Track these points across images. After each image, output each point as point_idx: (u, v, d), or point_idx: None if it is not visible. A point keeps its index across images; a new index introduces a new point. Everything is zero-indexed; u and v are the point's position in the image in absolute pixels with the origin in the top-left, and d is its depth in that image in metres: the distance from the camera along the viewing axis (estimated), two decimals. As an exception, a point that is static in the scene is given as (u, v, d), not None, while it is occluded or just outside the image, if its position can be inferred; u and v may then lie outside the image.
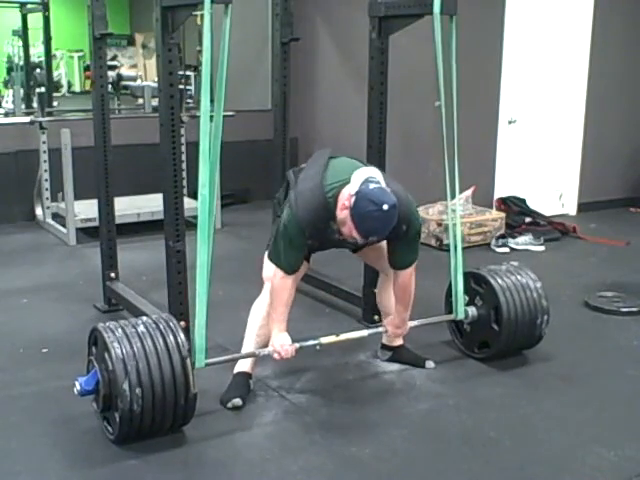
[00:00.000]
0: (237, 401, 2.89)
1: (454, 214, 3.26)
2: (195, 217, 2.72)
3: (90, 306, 4.01)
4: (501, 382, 3.20)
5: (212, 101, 2.62)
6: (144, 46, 10.25)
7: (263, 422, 2.82)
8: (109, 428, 2.62)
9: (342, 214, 2.68)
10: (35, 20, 7.99)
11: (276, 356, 2.84)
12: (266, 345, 2.95)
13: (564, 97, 6.35)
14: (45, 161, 5.70)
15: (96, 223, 4.22)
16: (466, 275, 3.30)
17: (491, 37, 5.83)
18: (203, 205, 2.62)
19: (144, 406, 2.49)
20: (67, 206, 5.33)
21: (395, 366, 3.29)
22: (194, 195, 2.65)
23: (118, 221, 4.10)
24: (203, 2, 2.55)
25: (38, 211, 5.94)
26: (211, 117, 2.61)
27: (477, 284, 3.34)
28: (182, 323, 3.20)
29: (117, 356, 2.49)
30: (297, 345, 2.88)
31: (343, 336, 3.06)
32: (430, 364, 3.28)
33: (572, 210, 6.61)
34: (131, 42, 10.95)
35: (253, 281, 3.18)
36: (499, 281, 3.29)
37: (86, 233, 5.34)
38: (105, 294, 3.99)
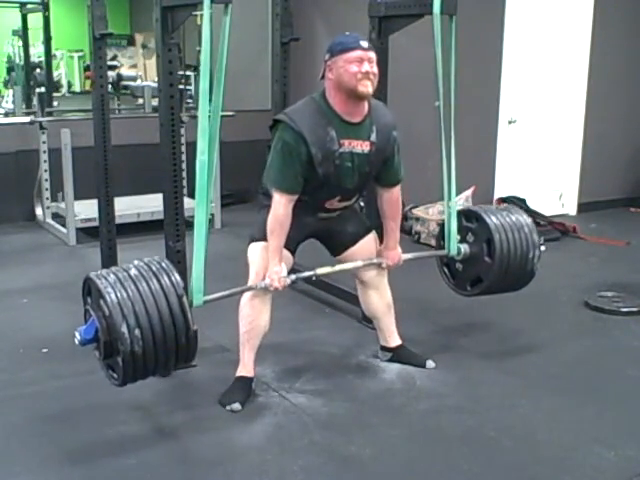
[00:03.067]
0: (236, 406, 2.88)
1: (449, 165, 3.23)
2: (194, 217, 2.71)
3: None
4: (501, 382, 3.20)
5: (210, 101, 2.62)
6: (144, 46, 10.25)
7: (263, 422, 2.82)
8: (114, 375, 2.56)
9: (334, 74, 2.77)
10: (35, 20, 7.99)
11: (271, 287, 2.83)
12: (260, 342, 2.98)
13: (564, 97, 6.35)
14: (45, 161, 5.70)
15: (96, 223, 4.22)
16: (458, 213, 3.31)
17: (491, 37, 5.83)
18: (202, 170, 2.60)
19: (145, 347, 2.43)
20: (67, 206, 5.33)
21: (395, 366, 3.29)
22: (194, 195, 2.65)
23: (118, 221, 4.10)
24: (203, 2, 2.55)
25: (38, 211, 5.94)
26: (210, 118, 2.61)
27: (469, 221, 3.33)
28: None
29: (112, 301, 2.44)
30: (293, 277, 2.87)
31: (338, 267, 3.07)
32: (430, 364, 3.28)
33: (572, 210, 6.61)
34: (131, 42, 10.95)
35: (253, 281, 3.18)
36: (491, 217, 3.30)
37: (86, 233, 5.34)
38: (105, 294, 3.99)
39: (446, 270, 3.47)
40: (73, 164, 5.28)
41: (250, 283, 2.92)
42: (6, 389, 3.06)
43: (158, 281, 2.53)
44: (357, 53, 2.74)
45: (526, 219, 3.37)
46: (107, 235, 3.97)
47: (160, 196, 3.27)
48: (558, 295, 4.26)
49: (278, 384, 3.12)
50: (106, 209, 3.95)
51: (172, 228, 3.19)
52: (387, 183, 3.04)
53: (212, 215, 5.74)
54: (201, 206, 2.62)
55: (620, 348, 3.62)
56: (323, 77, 2.84)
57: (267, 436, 2.73)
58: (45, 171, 5.73)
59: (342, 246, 3.12)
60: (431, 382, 3.17)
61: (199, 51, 2.55)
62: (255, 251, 2.94)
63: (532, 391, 3.13)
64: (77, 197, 5.36)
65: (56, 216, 5.78)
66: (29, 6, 7.98)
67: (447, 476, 2.52)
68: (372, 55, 2.78)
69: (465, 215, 3.35)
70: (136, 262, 2.62)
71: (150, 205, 5.50)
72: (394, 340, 3.32)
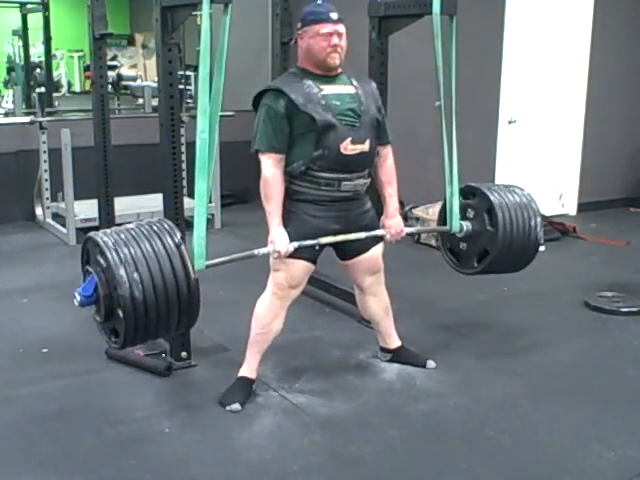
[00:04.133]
0: (236, 407, 2.88)
1: (450, 165, 3.22)
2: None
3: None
4: (501, 382, 3.20)
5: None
6: (144, 46, 10.26)
7: (263, 422, 2.82)
8: (113, 338, 2.52)
9: (305, 43, 2.83)
10: (35, 20, 8.00)
11: (275, 255, 2.80)
12: (268, 346, 2.97)
13: (564, 97, 6.35)
14: (45, 161, 5.70)
15: (96, 223, 4.23)
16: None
17: (491, 37, 5.83)
18: (202, 148, 2.58)
19: (145, 292, 2.38)
20: (67, 206, 5.33)
21: (395, 366, 3.29)
22: (194, 195, 2.65)
23: (118, 221, 4.09)
24: (203, 2, 2.55)
25: (38, 211, 5.94)
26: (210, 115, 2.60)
27: (467, 198, 3.31)
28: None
29: (110, 250, 2.41)
30: (296, 244, 2.83)
31: (341, 237, 2.97)
32: (431, 364, 3.28)
33: (572, 210, 6.60)
34: (131, 42, 10.97)
35: (253, 281, 3.18)
36: (489, 189, 3.31)
37: (86, 233, 5.32)
38: (105, 294, 3.99)
39: (450, 253, 3.42)
40: (73, 164, 5.28)
41: (267, 291, 2.93)
42: (6, 389, 3.06)
43: (154, 229, 2.50)
44: (327, 27, 2.78)
45: (522, 191, 3.37)
46: (107, 235, 3.97)
47: (160, 196, 3.27)
48: (558, 295, 4.26)
49: (278, 384, 3.12)
50: (106, 209, 3.95)
51: (172, 228, 3.19)
52: (383, 139, 3.03)
53: (212, 215, 5.74)
54: (202, 176, 2.60)
55: (620, 348, 3.62)
56: (295, 42, 2.93)
57: (267, 436, 2.73)
58: (45, 171, 5.73)
59: (356, 251, 3.06)
60: (431, 382, 3.17)
61: (199, 51, 2.56)
62: (279, 260, 2.89)
63: (532, 391, 3.13)
64: (77, 197, 5.36)
65: (56, 216, 5.78)
66: (29, 6, 7.99)
67: (447, 476, 2.52)
68: (341, 28, 2.82)
69: (463, 193, 3.31)
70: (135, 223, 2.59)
71: (150, 205, 5.49)
72: (394, 342, 3.32)
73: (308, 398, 3.01)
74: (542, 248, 5.36)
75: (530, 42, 6.02)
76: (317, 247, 2.91)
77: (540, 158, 6.33)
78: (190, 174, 2.90)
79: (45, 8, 7.64)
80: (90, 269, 2.53)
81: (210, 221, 2.65)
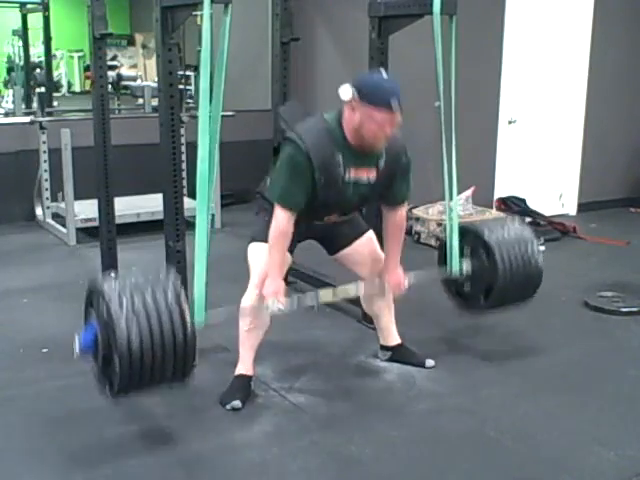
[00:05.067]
0: (237, 403, 2.89)
1: (450, 165, 3.22)
2: (194, 217, 2.71)
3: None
4: (501, 382, 3.20)
5: (211, 102, 2.62)
6: (144, 46, 10.27)
7: (263, 422, 2.82)
8: (109, 387, 2.53)
9: (355, 117, 2.66)
10: (35, 20, 8.00)
11: (273, 308, 2.76)
12: (260, 341, 2.99)
13: (564, 97, 6.34)
14: (45, 161, 5.70)
15: (96, 223, 4.22)
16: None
17: (491, 37, 5.83)
18: (202, 182, 2.56)
19: (143, 345, 2.40)
20: (67, 206, 5.33)
21: (395, 366, 3.29)
22: (194, 195, 2.65)
23: (118, 221, 4.09)
24: (203, 2, 2.55)
25: (38, 211, 5.94)
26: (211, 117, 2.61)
27: (462, 237, 3.29)
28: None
29: (112, 295, 2.44)
30: (295, 303, 2.84)
31: (340, 294, 3.03)
32: (430, 362, 3.28)
33: (572, 210, 6.60)
34: (131, 42, 10.97)
35: (253, 281, 3.18)
36: (480, 225, 3.37)
37: (86, 233, 5.34)
38: (105, 294, 3.99)
39: (457, 296, 3.45)
40: (73, 164, 5.27)
41: (251, 286, 2.91)
42: (6, 389, 3.06)
43: (161, 285, 2.52)
44: (385, 117, 2.62)
45: (514, 220, 3.43)
46: (107, 235, 3.98)
47: (160, 196, 3.27)
48: (558, 295, 4.26)
49: (278, 384, 3.12)
50: (106, 209, 3.95)
51: (172, 228, 3.20)
52: (390, 202, 2.98)
53: (212, 215, 5.73)
54: (202, 211, 2.58)
55: (620, 348, 3.62)
56: (348, 103, 2.69)
57: (267, 436, 2.73)
58: (45, 171, 5.72)
59: (338, 246, 3.13)
60: (431, 382, 3.17)
61: (199, 51, 2.55)
62: (256, 252, 2.94)
63: (532, 391, 3.13)
64: (77, 197, 5.36)
65: (56, 216, 5.78)
66: (29, 6, 7.98)
67: (447, 476, 2.52)
68: (398, 117, 2.66)
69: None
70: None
71: (150, 205, 5.50)
72: (394, 339, 3.32)
73: (308, 398, 3.01)
74: (542, 248, 5.38)
75: (530, 42, 6.01)
76: (315, 308, 2.97)
77: (540, 158, 6.33)
78: (190, 174, 2.91)
79: (45, 8, 7.64)
80: (91, 314, 2.58)
81: (210, 221, 2.63)
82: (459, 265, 3.24)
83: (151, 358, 2.44)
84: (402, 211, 3.01)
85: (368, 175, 2.81)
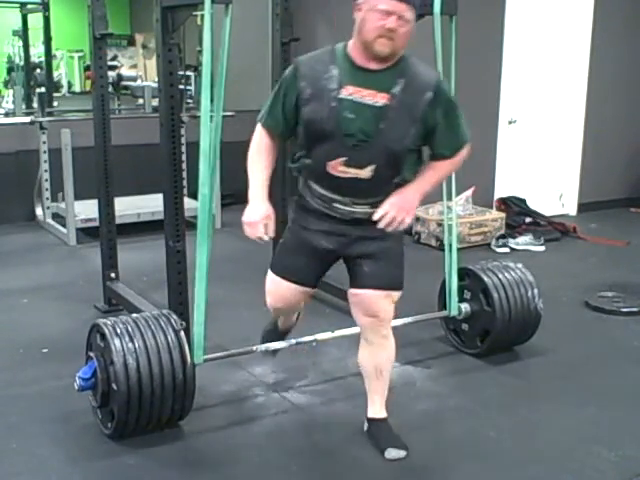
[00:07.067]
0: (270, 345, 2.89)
1: (450, 212, 3.26)
2: (195, 217, 2.73)
3: (90, 306, 4.01)
4: (501, 382, 3.20)
5: (212, 101, 2.63)
6: (144, 46, 10.25)
7: (263, 422, 2.82)
8: (107, 424, 2.63)
9: (359, 17, 2.28)
10: (35, 20, 7.99)
11: (252, 236, 2.49)
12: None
13: (564, 97, 6.35)
14: (45, 161, 5.70)
15: (96, 223, 4.22)
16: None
17: (491, 37, 5.83)
18: (203, 205, 2.60)
19: (142, 383, 2.50)
20: (67, 206, 5.33)
21: (395, 366, 3.28)
22: (194, 195, 2.66)
23: (118, 221, 4.10)
24: (203, 2, 2.55)
25: (38, 211, 5.94)
26: (211, 117, 2.61)
27: (461, 279, 3.38)
28: (182, 323, 3.21)
29: (112, 335, 2.54)
30: (293, 341, 2.88)
31: (338, 333, 3.07)
32: (391, 453, 2.59)
33: (572, 210, 6.61)
34: (131, 42, 10.95)
35: (253, 281, 3.18)
36: (481, 268, 3.39)
37: (86, 233, 5.34)
38: (105, 294, 4.00)
39: (454, 335, 3.51)
40: (73, 164, 5.27)
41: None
42: (6, 389, 3.06)
43: (159, 324, 2.65)
44: (387, 4, 2.21)
45: (516, 264, 3.46)
46: (107, 235, 3.98)
47: (160, 196, 3.27)
48: (558, 295, 4.26)
49: (278, 384, 3.12)
50: (106, 209, 3.95)
51: (172, 228, 3.19)
52: (438, 156, 2.43)
53: (212, 215, 5.74)
54: (203, 247, 2.62)
55: (620, 348, 3.62)
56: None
57: (267, 436, 2.73)
58: (45, 171, 5.73)
59: (351, 280, 2.57)
60: (431, 382, 3.17)
61: (199, 51, 2.56)
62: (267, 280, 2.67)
63: (532, 391, 3.13)
64: (77, 197, 5.36)
65: (56, 216, 5.78)
66: (29, 6, 7.98)
67: (447, 476, 2.52)
68: (405, 10, 2.22)
69: (459, 275, 3.38)
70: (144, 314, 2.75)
71: (150, 205, 5.50)
72: (373, 411, 2.72)
73: (308, 398, 3.01)
74: (542, 248, 5.40)
75: (530, 42, 6.02)
76: (314, 344, 2.89)
77: (540, 158, 6.33)
78: (190, 174, 2.91)
79: (45, 8, 7.63)
80: (92, 354, 2.65)
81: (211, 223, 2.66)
82: (458, 306, 3.33)
83: (149, 396, 2.53)
84: (450, 162, 2.46)
85: (375, 99, 2.30)
